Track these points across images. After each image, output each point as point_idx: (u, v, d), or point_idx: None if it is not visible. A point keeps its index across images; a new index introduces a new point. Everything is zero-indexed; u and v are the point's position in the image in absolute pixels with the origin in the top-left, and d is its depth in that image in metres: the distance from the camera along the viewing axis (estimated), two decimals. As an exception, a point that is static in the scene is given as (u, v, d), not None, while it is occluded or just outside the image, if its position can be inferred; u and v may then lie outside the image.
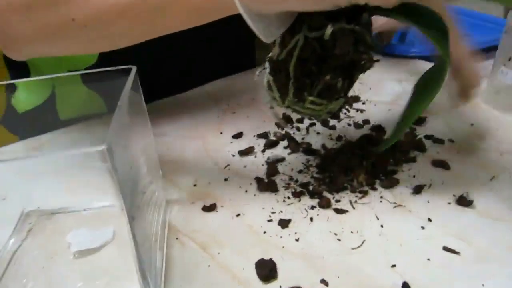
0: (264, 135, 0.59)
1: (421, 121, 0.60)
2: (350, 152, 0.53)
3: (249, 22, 0.38)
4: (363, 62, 0.43)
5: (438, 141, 0.56)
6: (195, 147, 0.59)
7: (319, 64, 0.41)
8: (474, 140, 0.56)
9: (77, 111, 0.61)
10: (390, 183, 0.48)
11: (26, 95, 0.64)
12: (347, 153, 0.53)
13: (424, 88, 0.44)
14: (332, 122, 0.62)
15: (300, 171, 0.51)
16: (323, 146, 0.55)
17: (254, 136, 0.60)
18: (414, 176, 0.50)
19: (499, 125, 0.59)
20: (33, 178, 0.45)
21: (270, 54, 0.44)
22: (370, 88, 0.72)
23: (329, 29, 0.38)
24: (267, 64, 0.44)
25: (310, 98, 0.42)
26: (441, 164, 0.51)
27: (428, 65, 0.79)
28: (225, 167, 0.54)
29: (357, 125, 0.61)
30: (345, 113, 0.64)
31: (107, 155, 0.28)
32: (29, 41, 0.46)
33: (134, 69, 0.41)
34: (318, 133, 0.59)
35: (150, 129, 0.46)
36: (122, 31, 0.44)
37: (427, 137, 0.57)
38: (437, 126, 0.60)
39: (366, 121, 0.61)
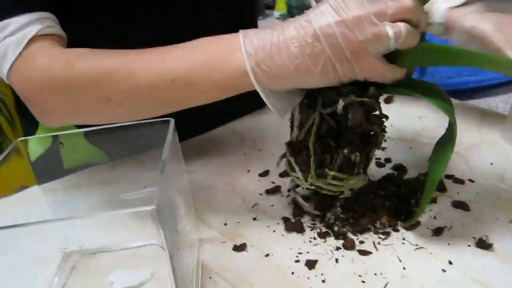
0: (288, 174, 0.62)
1: (441, 160, 0.63)
2: (372, 193, 0.56)
3: (264, 98, 0.44)
4: (374, 133, 0.47)
5: (458, 181, 0.58)
6: (224, 185, 0.62)
7: (336, 139, 0.45)
8: (493, 180, 0.58)
9: (80, 161, 0.65)
10: (412, 224, 0.50)
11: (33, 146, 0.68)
12: (369, 194, 0.55)
13: (441, 150, 0.47)
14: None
15: (325, 211, 0.54)
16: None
17: (280, 174, 0.62)
18: (435, 218, 0.52)
19: (518, 165, 0.61)
20: (73, 218, 0.49)
21: (288, 140, 0.49)
22: (391, 125, 0.74)
23: (340, 104, 0.43)
24: (286, 149, 0.49)
25: (332, 173, 0.46)
26: (461, 206, 0.53)
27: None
28: (253, 206, 0.57)
29: (379, 164, 0.63)
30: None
31: (156, 215, 0.31)
32: (66, 116, 0.51)
33: (172, 121, 0.44)
34: (341, 171, 0.62)
35: (184, 171, 0.49)
36: (153, 108, 0.49)
37: (448, 176, 0.59)
38: (457, 165, 0.62)
39: (388, 160, 0.64)
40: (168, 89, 0.46)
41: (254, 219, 0.54)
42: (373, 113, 0.46)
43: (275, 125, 0.76)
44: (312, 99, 0.45)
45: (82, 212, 0.36)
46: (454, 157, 0.63)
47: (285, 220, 0.53)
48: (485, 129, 0.71)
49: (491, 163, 0.62)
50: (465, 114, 0.75)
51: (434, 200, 0.55)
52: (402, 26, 0.40)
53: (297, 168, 0.47)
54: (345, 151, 0.45)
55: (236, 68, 0.43)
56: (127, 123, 0.45)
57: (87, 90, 0.47)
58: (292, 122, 0.49)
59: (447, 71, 0.98)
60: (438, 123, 0.73)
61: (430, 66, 0.42)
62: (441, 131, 0.71)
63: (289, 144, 0.48)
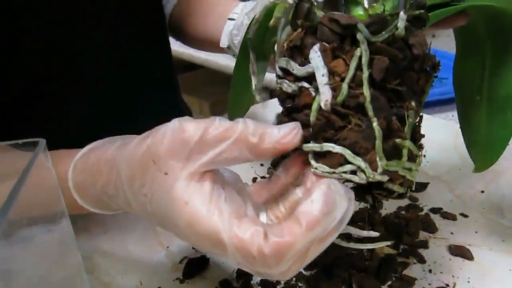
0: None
1: (422, 187, 0.49)
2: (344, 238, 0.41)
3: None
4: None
5: (449, 216, 0.45)
6: (143, 228, 0.45)
7: (399, 86, 0.27)
8: (490, 213, 0.45)
9: None
10: (404, 284, 0.36)
11: None
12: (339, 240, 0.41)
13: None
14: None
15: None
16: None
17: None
18: (430, 271, 0.38)
19: (515, 192, 0.49)
20: None
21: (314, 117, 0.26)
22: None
23: (402, 19, 0.26)
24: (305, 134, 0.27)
25: (407, 143, 0.27)
26: (461, 252, 0.40)
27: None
28: (181, 260, 0.40)
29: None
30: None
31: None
32: None
33: (41, 142, 0.28)
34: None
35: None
36: None
37: (434, 210, 0.46)
38: (441, 194, 0.49)
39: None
40: None
41: (181, 281, 0.38)
42: None
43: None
44: (342, 35, 0.26)
45: None
46: (435, 184, 0.50)
47: (225, 284, 0.37)
48: (462, 147, 0.59)
49: (482, 191, 0.49)
50: (437, 130, 0.63)
51: (424, 245, 0.41)
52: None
53: (347, 153, 0.26)
54: (413, 103, 0.28)
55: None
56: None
57: None
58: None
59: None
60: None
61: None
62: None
63: (316, 121, 0.26)
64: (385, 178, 0.26)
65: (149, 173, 0.27)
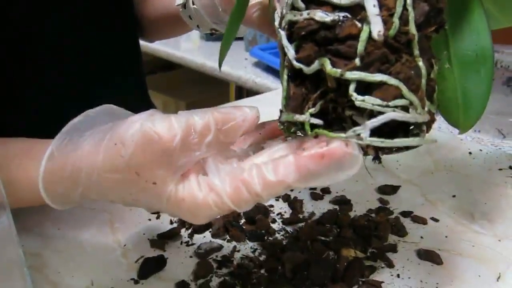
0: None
1: (393, 190, 0.48)
2: (309, 238, 0.39)
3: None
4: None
5: (419, 220, 0.44)
6: (100, 223, 0.43)
7: (433, 33, 0.27)
8: (461, 218, 0.44)
9: None
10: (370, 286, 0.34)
11: None
12: (305, 240, 0.39)
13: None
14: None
15: (243, 268, 0.37)
16: (268, 231, 0.41)
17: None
18: (398, 276, 0.36)
19: (487, 198, 0.48)
20: None
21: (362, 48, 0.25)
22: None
23: None
24: (356, 75, 0.25)
25: (437, 88, 0.28)
26: (430, 257, 0.38)
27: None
28: (137, 259, 0.38)
29: (315, 195, 0.47)
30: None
31: None
32: None
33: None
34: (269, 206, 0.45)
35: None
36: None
37: (404, 214, 0.44)
38: (412, 197, 0.48)
39: (326, 190, 0.48)
40: None
41: (136, 282, 0.36)
42: None
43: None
44: None
45: None
46: (407, 187, 0.49)
47: (182, 286, 0.35)
48: (435, 152, 0.58)
49: (454, 196, 0.48)
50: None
51: (393, 249, 0.39)
52: None
53: (404, 87, 0.25)
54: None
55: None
56: None
57: None
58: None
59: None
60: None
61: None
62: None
63: (368, 51, 0.25)
64: (427, 118, 0.26)
65: (136, 185, 0.27)
